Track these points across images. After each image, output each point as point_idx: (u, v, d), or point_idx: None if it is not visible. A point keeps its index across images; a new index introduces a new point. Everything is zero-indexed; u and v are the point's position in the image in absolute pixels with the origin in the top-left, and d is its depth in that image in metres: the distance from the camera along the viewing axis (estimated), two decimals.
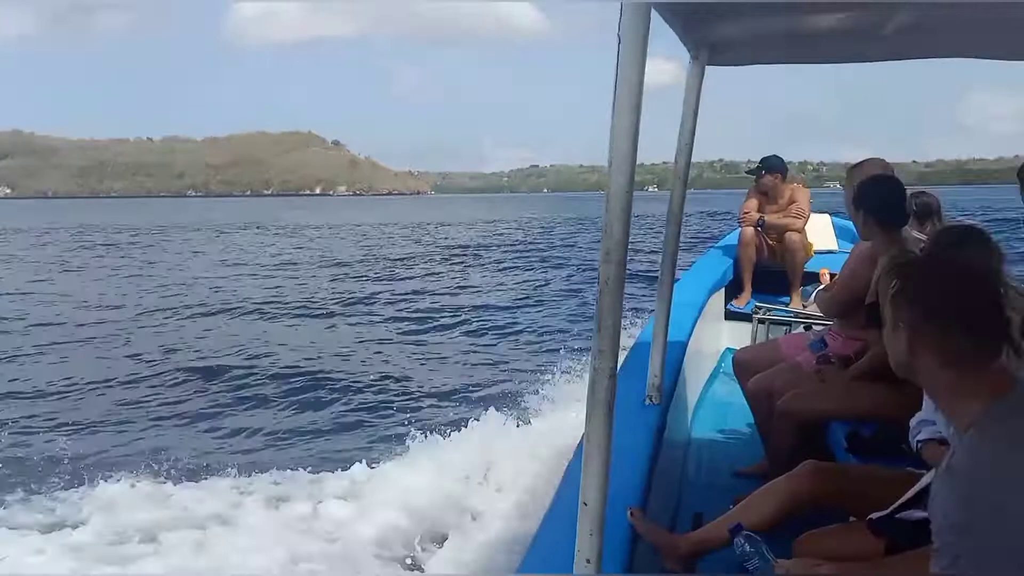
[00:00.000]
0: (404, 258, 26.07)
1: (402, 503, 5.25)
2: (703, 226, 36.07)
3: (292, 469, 6.17)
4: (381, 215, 75.93)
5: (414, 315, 14.41)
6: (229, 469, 6.20)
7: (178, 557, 4.86)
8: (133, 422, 8.13)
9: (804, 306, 6.08)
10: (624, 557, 2.13)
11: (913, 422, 2.63)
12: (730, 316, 6.33)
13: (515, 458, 5.75)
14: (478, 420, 6.64)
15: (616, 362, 1.65)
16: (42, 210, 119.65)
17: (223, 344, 11.85)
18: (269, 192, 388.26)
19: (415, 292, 17.32)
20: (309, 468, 6.20)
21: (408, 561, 4.80)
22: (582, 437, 1.70)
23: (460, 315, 14.13)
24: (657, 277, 3.44)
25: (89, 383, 9.66)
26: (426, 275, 21.10)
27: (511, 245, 31.68)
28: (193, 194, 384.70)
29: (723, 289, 6.27)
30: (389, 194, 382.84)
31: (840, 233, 7.13)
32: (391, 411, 8.27)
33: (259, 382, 9.48)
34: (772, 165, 6.57)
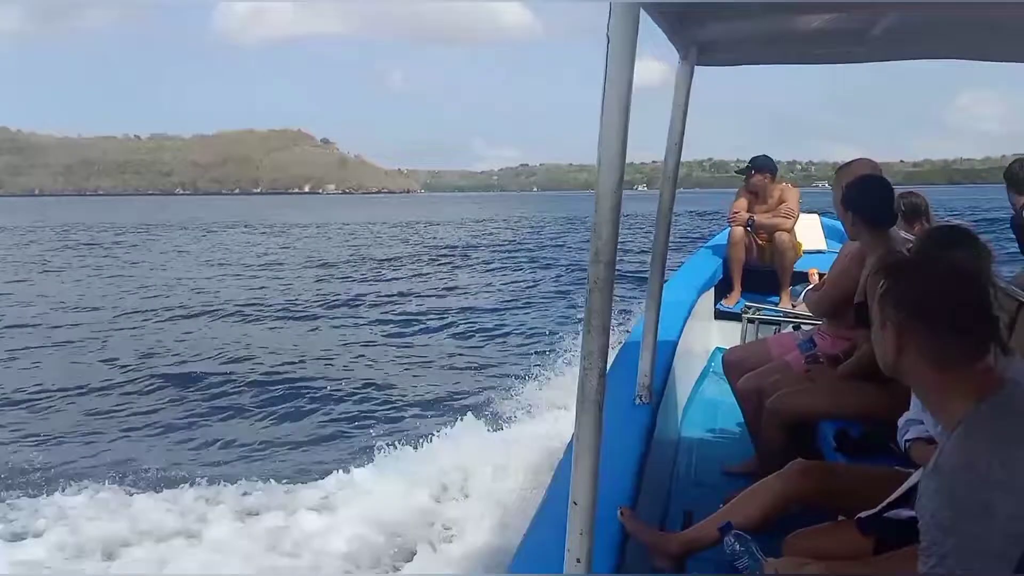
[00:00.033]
0: (391, 258, 25.83)
1: (375, 515, 5.13)
2: (692, 226, 36.12)
3: (263, 480, 6.01)
4: (370, 214, 75.49)
5: (399, 318, 14.22)
6: (199, 480, 6.05)
7: (138, 572, 4.78)
8: (102, 432, 7.90)
9: (793, 306, 6.10)
10: (614, 556, 2.14)
11: (901, 421, 2.65)
12: (720, 316, 6.35)
13: (495, 467, 5.63)
14: (457, 428, 6.51)
15: (605, 362, 1.65)
16: (28, 208, 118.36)
17: (201, 348, 11.60)
18: (258, 191, 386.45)
19: (401, 294, 17.13)
20: (282, 479, 6.06)
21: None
22: (572, 437, 1.71)
23: (446, 318, 13.95)
24: (646, 277, 3.45)
25: (60, 390, 9.40)
26: (413, 276, 20.94)
27: (500, 245, 31.55)
28: (181, 192, 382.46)
29: (712, 289, 6.29)
30: (379, 192, 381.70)
31: (829, 233, 7.16)
32: (370, 419, 8.08)
33: (236, 389, 9.24)
34: (761, 165, 6.59)
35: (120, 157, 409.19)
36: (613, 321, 1.71)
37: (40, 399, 9.13)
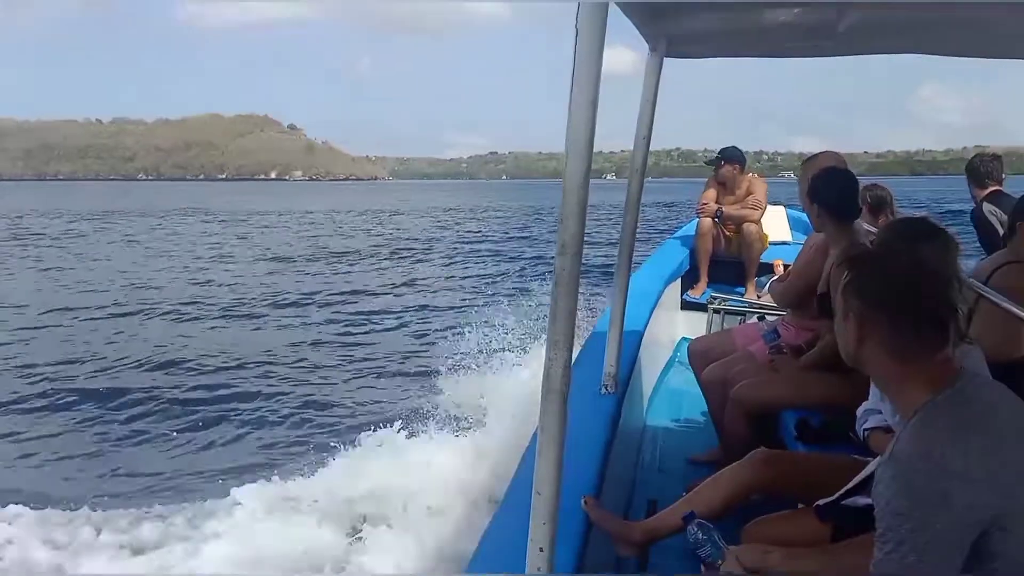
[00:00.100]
0: (349, 252, 24.52)
1: (288, 545, 4.75)
2: (660, 217, 35.92)
3: (173, 503, 5.60)
4: (335, 202, 73.89)
5: (351, 317, 13.40)
6: (87, 505, 5.55)
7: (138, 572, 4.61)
8: None
9: (759, 296, 6.16)
10: (578, 544, 2.16)
11: (860, 411, 2.70)
12: (686, 306, 6.39)
13: (428, 485, 5.19)
14: (391, 440, 5.94)
15: (571, 353, 1.66)
16: None
17: (129, 352, 10.64)
18: (223, 176, 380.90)
19: (355, 291, 16.20)
20: (184, 502, 5.63)
21: None
22: (537, 427, 1.71)
23: (402, 317, 13.21)
24: (613, 271, 3.47)
25: None
26: (371, 271, 20.04)
27: (465, 236, 30.68)
28: (144, 178, 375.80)
29: (679, 279, 6.34)
30: (346, 179, 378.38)
31: (794, 224, 7.25)
32: (302, 434, 7.41)
33: (157, 404, 8.34)
34: (731, 156, 6.64)
35: (81, 141, 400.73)
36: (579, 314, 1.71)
37: None
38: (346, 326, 12.74)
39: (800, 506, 2.42)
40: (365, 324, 12.86)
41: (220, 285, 17.30)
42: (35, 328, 12.55)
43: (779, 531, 2.23)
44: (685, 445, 4.02)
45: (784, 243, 6.94)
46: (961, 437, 1.53)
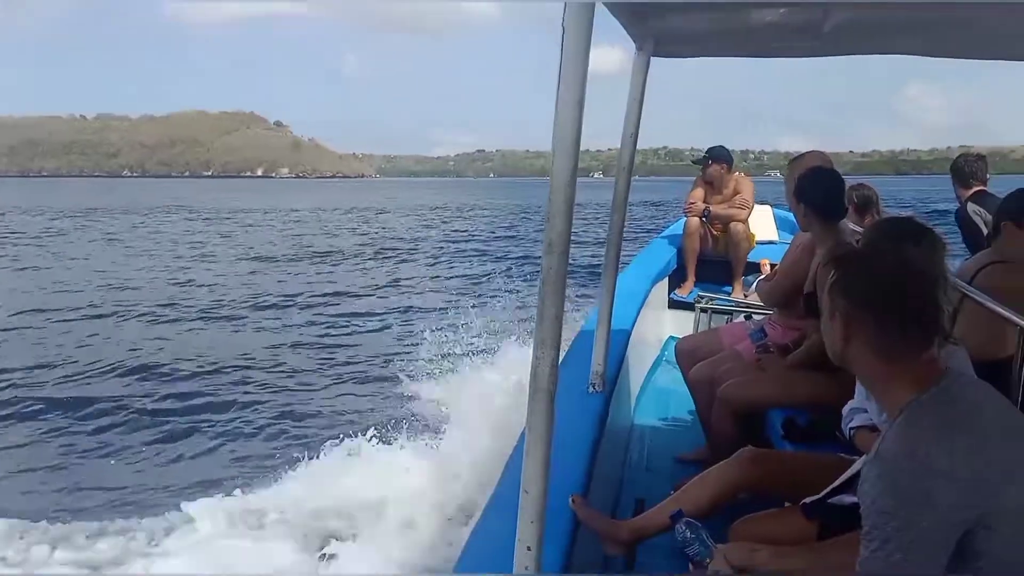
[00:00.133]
0: (334, 251, 24.00)
1: (252, 561, 4.62)
2: (647, 215, 35.74)
3: (134, 518, 5.38)
4: (321, 199, 73.14)
5: (333, 319, 13.07)
6: (46, 519, 5.39)
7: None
8: None
9: (745, 295, 6.18)
10: (565, 543, 2.16)
11: (845, 410, 2.71)
12: (673, 305, 6.41)
13: (400, 497, 5.03)
14: (365, 446, 5.76)
15: (558, 352, 1.66)
16: None
17: (101, 356, 10.24)
18: (209, 174, 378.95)
19: (338, 293, 15.73)
20: (147, 516, 5.43)
21: None
22: (524, 426, 1.71)
23: (385, 319, 12.81)
24: (600, 272, 3.47)
25: None
26: (355, 271, 19.52)
27: (451, 235, 30.27)
28: (129, 174, 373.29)
29: (667, 278, 6.35)
30: (333, 177, 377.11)
31: (781, 224, 7.28)
32: (274, 444, 7.08)
33: (129, 414, 7.98)
34: (718, 155, 6.66)
35: (65, 138, 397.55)
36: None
37: None
38: (327, 328, 12.45)
39: (787, 504, 2.44)
40: (346, 327, 12.55)
41: (200, 286, 16.89)
42: (4, 331, 12.09)
43: (766, 529, 2.24)
44: (673, 444, 4.03)
45: (771, 242, 6.97)
46: (946, 436, 1.54)
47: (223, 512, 5.18)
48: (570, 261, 1.65)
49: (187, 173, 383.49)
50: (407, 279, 17.80)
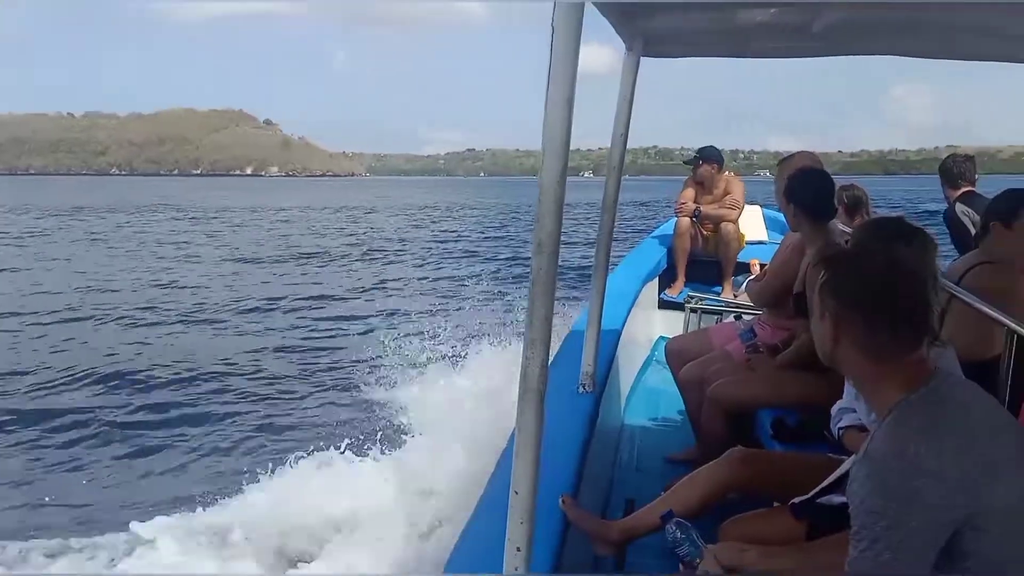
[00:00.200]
0: (320, 252, 23.54)
1: None
2: (637, 215, 35.64)
3: (96, 536, 5.21)
4: (310, 198, 72.65)
5: (316, 323, 12.75)
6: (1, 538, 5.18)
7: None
8: None
9: (735, 295, 6.20)
10: (555, 544, 2.16)
11: (834, 410, 2.72)
12: (663, 305, 6.42)
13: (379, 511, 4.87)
14: (336, 459, 5.57)
15: (547, 352, 1.66)
16: None
17: (75, 363, 9.85)
18: (198, 172, 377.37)
19: (323, 296, 15.33)
20: (109, 533, 5.21)
21: None
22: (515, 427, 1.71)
23: (370, 323, 12.29)
24: (591, 273, 3.47)
25: None
26: (341, 273, 19.07)
27: (439, 236, 29.94)
28: (117, 172, 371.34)
29: (657, 278, 6.36)
30: (323, 175, 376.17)
31: (770, 224, 7.30)
32: (249, 459, 6.65)
33: (100, 426, 7.64)
34: (709, 155, 6.68)
35: (52, 135, 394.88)
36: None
37: None
38: (309, 332, 12.12)
39: (776, 504, 2.44)
40: (329, 331, 12.19)
41: (182, 288, 16.46)
42: None
43: (755, 529, 2.25)
44: (663, 444, 4.03)
45: (760, 242, 7.00)
46: (935, 436, 1.54)
47: (186, 530, 5.02)
48: (560, 262, 1.65)
49: (176, 171, 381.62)
50: (394, 280, 17.55)
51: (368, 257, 22.64)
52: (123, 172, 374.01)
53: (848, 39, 3.06)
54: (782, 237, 4.47)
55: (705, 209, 6.58)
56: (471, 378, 6.42)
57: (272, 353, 10.72)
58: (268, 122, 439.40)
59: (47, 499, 6.09)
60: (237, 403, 8.42)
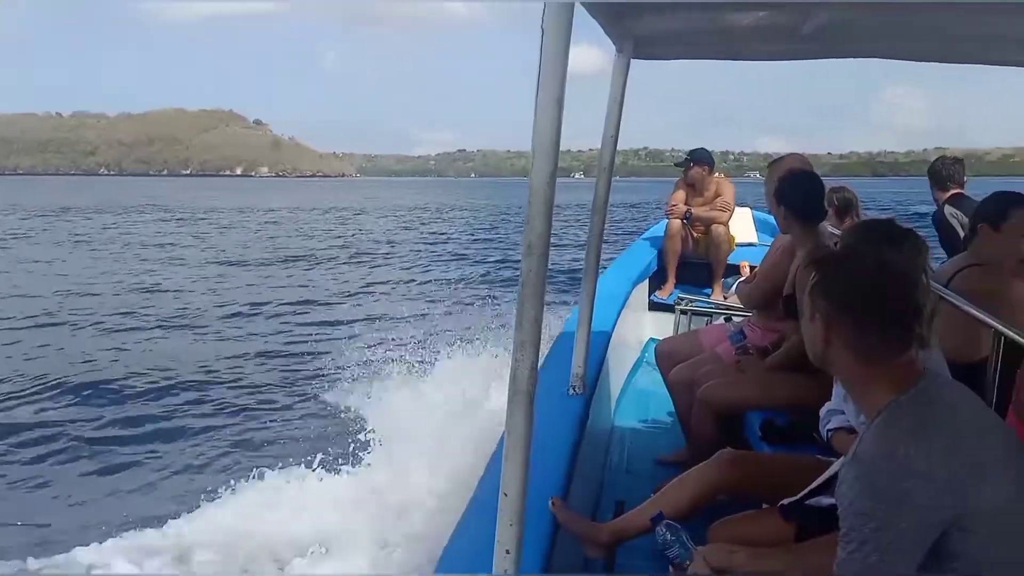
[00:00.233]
0: (306, 255, 23.06)
1: None
2: (627, 216, 35.51)
3: (45, 558, 4.98)
4: (299, 199, 72.07)
5: (300, 328, 12.33)
6: None
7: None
8: None
9: (725, 297, 6.22)
10: (545, 546, 2.15)
11: (823, 411, 2.72)
12: (653, 307, 6.42)
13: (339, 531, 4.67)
14: (305, 474, 5.39)
15: (537, 355, 1.65)
16: None
17: (47, 372, 9.43)
18: (188, 172, 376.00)
19: (307, 301, 14.81)
20: (60, 554, 5.02)
21: None
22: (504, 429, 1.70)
23: (354, 329, 11.62)
24: (580, 277, 3.46)
25: None
26: (328, 277, 18.61)
27: (429, 238, 29.62)
28: (106, 172, 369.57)
29: (647, 280, 6.37)
30: (313, 176, 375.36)
31: (760, 226, 7.32)
32: (223, 475, 6.24)
33: (68, 441, 7.29)
34: (700, 157, 6.69)
35: (41, 135, 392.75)
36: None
37: None
38: (292, 339, 11.64)
39: (765, 506, 2.44)
40: (313, 337, 11.59)
41: (164, 292, 16.02)
42: None
43: (744, 531, 2.25)
44: (653, 446, 4.03)
45: (750, 244, 7.01)
46: (924, 437, 1.55)
47: (148, 551, 4.87)
48: (550, 265, 1.64)
49: (165, 171, 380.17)
50: (382, 284, 17.23)
51: (355, 260, 22.27)
52: (112, 172, 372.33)
53: (837, 41, 3.07)
54: (772, 239, 4.48)
55: (696, 211, 6.59)
56: (449, 388, 6.16)
57: (253, 360, 10.33)
58: (258, 122, 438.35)
59: (7, 520, 5.78)
60: (213, 415, 8.08)
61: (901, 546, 1.51)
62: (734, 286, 6.09)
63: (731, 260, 6.57)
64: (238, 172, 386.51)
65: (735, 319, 4.99)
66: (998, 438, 1.63)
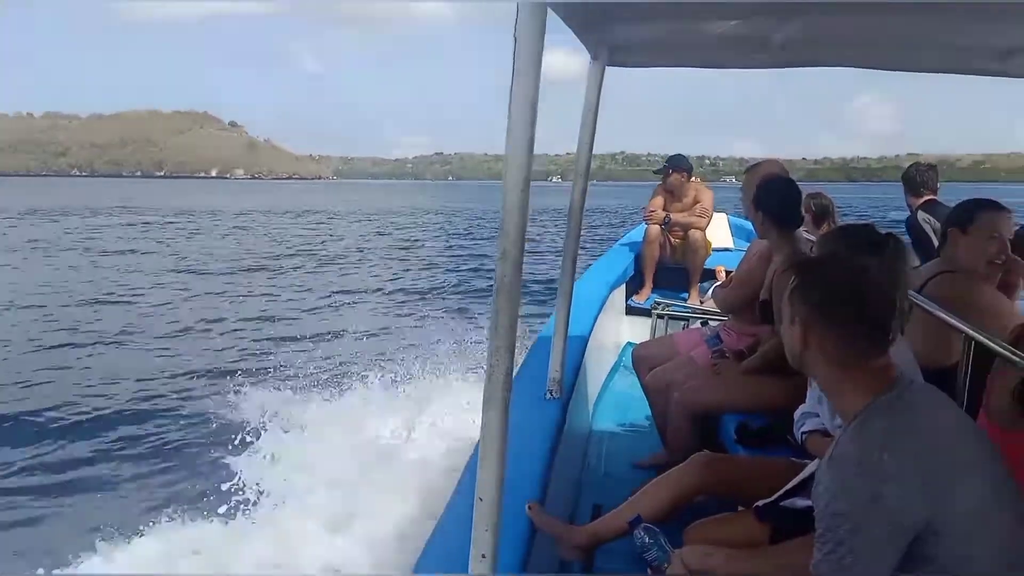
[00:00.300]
0: (272, 263, 21.92)
1: None
2: (604, 221, 35.36)
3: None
4: (273, 202, 70.85)
5: (254, 344, 11.23)
6: None
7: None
8: None
9: (702, 302, 6.25)
10: (522, 551, 2.15)
11: (797, 414, 2.73)
12: (630, 311, 6.44)
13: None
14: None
15: (512, 360, 1.65)
16: None
17: None
18: (161, 174, 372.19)
19: (265, 315, 13.67)
20: None
21: None
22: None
23: (313, 343, 10.41)
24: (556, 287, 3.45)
25: None
26: (293, 286, 17.40)
27: (401, 243, 28.79)
28: (77, 174, 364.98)
29: (624, 285, 6.39)
30: (289, 179, 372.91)
31: (736, 231, 7.38)
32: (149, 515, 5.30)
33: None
34: (678, 164, 6.73)
35: (11, 136, 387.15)
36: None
37: None
38: (246, 355, 10.53)
39: (740, 508, 2.46)
40: (270, 354, 9.91)
41: (115, 303, 14.91)
42: None
43: (719, 533, 2.26)
44: (630, 449, 4.04)
45: (726, 249, 7.07)
46: (899, 440, 1.56)
47: None
48: (526, 275, 1.64)
49: (138, 173, 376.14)
50: (351, 293, 16.26)
51: (322, 268, 21.13)
52: (84, 174, 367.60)
53: (809, 51, 3.09)
54: (747, 244, 4.52)
55: (675, 216, 6.63)
56: (416, 408, 5.93)
57: (204, 378, 9.29)
58: (233, 124, 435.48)
59: None
60: (144, 456, 7.03)
61: (875, 548, 1.53)
62: (710, 290, 6.13)
63: (707, 265, 6.62)
64: (213, 174, 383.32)
65: (711, 323, 5.01)
66: (972, 442, 1.65)
